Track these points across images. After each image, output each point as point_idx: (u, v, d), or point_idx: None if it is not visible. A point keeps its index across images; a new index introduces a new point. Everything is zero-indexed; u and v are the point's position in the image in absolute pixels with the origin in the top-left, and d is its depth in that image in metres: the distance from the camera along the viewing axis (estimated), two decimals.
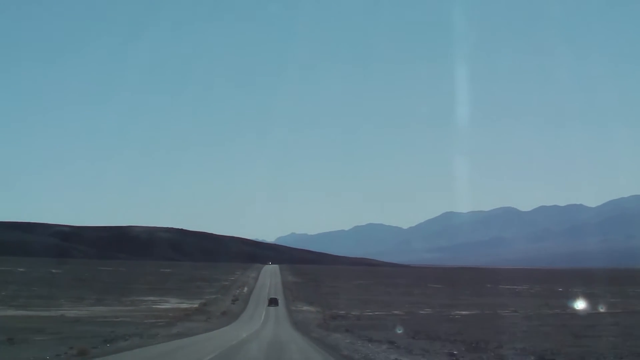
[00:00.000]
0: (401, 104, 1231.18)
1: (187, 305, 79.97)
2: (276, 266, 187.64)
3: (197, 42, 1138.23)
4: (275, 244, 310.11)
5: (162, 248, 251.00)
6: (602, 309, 71.53)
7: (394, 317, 63.72)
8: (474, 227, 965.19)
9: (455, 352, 29.12)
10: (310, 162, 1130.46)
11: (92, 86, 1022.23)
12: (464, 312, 72.41)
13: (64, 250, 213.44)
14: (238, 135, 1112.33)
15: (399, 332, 44.54)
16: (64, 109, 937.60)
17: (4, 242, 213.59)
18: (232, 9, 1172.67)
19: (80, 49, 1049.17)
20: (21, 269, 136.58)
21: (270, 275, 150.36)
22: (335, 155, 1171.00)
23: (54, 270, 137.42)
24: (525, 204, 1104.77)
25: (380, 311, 74.46)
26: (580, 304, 75.68)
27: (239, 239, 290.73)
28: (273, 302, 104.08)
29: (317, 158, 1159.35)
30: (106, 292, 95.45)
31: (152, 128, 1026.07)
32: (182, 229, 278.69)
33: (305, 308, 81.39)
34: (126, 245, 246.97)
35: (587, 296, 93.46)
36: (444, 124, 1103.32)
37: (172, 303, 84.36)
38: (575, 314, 69.14)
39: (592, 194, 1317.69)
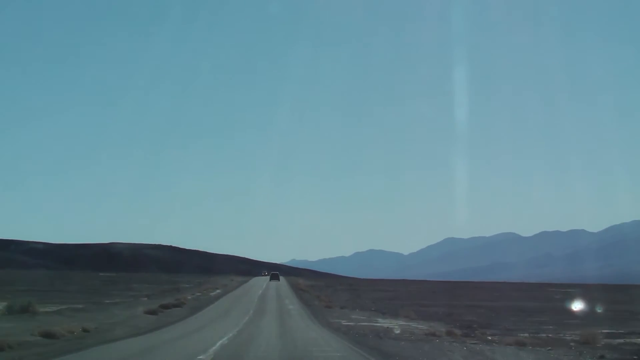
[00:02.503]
0: (401, 131, 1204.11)
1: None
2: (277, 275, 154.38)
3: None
4: (275, 263, 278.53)
5: (148, 265, 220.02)
6: None
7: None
8: (475, 252, 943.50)
9: None
10: (310, 188, 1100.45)
11: (73, 96, 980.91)
12: None
13: (35, 268, 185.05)
14: (237, 162, 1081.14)
15: None
16: (41, 119, 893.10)
17: None
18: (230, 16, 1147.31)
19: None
20: None
21: (267, 281, 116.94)
22: (335, 181, 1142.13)
23: None
24: (527, 230, 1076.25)
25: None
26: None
27: (235, 257, 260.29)
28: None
29: (317, 184, 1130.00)
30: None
31: (149, 136, 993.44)
32: (171, 246, 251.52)
33: (356, 316, 43.22)
34: (108, 263, 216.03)
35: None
36: (445, 151, 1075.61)
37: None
38: None
39: (593, 219, 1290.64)
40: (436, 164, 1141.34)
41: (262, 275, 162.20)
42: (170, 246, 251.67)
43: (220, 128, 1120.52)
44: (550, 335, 34.12)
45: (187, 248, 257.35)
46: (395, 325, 37.28)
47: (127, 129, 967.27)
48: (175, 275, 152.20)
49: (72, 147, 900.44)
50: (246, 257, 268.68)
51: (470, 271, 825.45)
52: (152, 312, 40.91)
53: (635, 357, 24.62)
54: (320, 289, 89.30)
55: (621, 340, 31.36)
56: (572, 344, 28.69)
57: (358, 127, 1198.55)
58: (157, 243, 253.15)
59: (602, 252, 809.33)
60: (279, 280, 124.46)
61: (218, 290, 75.40)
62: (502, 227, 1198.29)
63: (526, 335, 32.70)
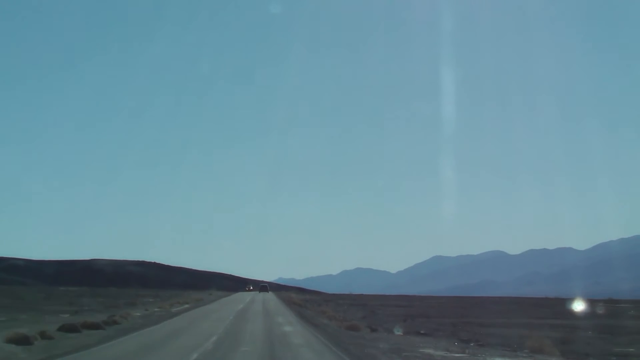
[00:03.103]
0: (387, 150, 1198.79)
1: None
2: (265, 287, 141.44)
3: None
4: (261, 281, 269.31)
5: (131, 282, 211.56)
6: None
7: None
8: (463, 270, 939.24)
9: None
10: (298, 206, 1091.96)
11: (56, 113, 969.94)
12: None
13: (11, 285, 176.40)
14: (224, 179, 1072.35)
15: None
16: (24, 135, 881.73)
17: None
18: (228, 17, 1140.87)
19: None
20: None
21: (252, 294, 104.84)
22: (323, 199, 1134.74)
23: None
24: (514, 248, 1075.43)
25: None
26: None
27: (221, 274, 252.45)
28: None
29: (305, 202, 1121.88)
30: None
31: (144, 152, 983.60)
32: (156, 263, 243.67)
33: (428, 349, 26.73)
34: (89, 279, 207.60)
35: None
36: (432, 169, 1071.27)
37: None
38: None
39: (580, 237, 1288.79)
40: (423, 183, 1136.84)
41: (247, 290, 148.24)
42: (155, 263, 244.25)
43: (208, 147, 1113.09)
44: None
45: (172, 265, 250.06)
46: None
47: (112, 145, 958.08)
48: (155, 291, 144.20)
49: (56, 163, 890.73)
50: (232, 274, 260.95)
51: (458, 289, 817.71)
52: (22, 340, 25.43)
53: None
54: (318, 303, 76.72)
55: None
56: None
57: (344, 144, 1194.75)
58: (141, 260, 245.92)
59: (590, 269, 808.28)
60: (267, 292, 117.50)
61: (186, 305, 62.30)
62: (489, 245, 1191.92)
63: None
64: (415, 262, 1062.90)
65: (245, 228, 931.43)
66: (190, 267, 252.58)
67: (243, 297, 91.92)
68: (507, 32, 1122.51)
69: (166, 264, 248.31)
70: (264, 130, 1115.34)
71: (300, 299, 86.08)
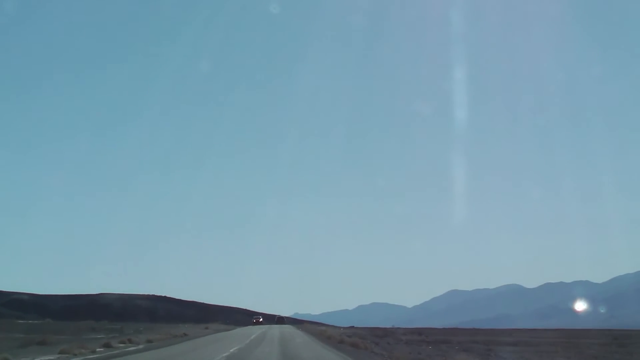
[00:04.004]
0: (401, 185, 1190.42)
1: None
2: (282, 319, 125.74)
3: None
4: (278, 315, 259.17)
5: (139, 316, 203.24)
6: None
7: None
8: (479, 304, 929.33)
9: None
10: (312, 240, 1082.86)
11: (58, 139, 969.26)
12: None
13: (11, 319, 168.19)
14: (237, 211, 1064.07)
15: None
16: (25, 156, 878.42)
17: None
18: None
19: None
20: None
21: (266, 328, 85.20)
22: (337, 233, 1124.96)
23: None
24: (531, 281, 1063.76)
25: None
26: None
27: (234, 308, 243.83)
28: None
29: (318, 234, 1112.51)
30: None
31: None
32: (165, 296, 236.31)
33: None
34: (96, 314, 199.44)
35: None
36: (447, 204, 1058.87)
37: None
38: None
39: (597, 270, 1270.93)
40: (439, 216, 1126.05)
41: (254, 324, 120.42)
42: (165, 297, 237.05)
43: (217, 180, 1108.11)
44: None
45: (182, 299, 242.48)
46: None
47: (118, 173, 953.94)
48: (164, 325, 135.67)
49: (65, 194, 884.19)
50: (246, 308, 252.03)
51: (476, 323, 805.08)
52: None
53: None
54: (370, 338, 55.56)
55: None
56: None
57: (358, 176, 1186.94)
58: (150, 294, 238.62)
59: (608, 303, 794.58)
60: (284, 324, 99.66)
61: (135, 347, 42.57)
62: (506, 278, 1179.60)
63: None
64: (431, 296, 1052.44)
65: (260, 263, 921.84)
66: (201, 301, 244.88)
67: (248, 332, 69.79)
68: (514, 33, 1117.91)
69: (177, 297, 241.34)
70: (273, 158, 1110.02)
71: (340, 333, 64.21)
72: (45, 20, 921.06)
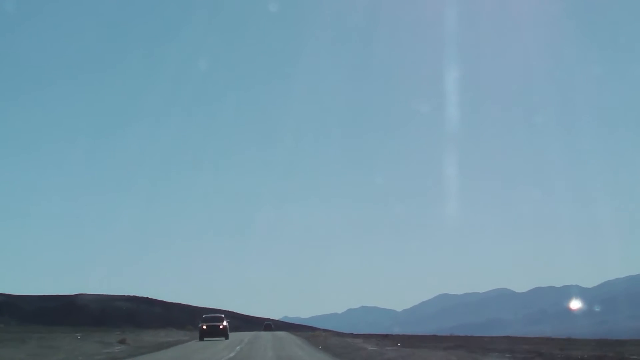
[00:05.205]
0: (391, 187, 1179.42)
1: None
2: (270, 326, 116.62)
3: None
4: (267, 318, 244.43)
5: (118, 319, 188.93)
6: None
7: None
8: (469, 308, 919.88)
9: None
10: (301, 243, 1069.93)
11: (42, 137, 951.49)
12: None
13: None
14: (227, 213, 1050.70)
15: None
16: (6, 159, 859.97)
17: None
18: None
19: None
20: None
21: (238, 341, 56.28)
22: (327, 237, 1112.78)
23: None
24: (521, 285, 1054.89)
25: None
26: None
27: (222, 310, 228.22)
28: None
29: (307, 237, 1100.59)
30: None
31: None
32: (147, 298, 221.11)
33: None
34: (72, 317, 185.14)
35: None
36: (437, 207, 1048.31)
37: None
38: None
39: (587, 274, 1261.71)
40: (429, 220, 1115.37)
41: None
42: (147, 298, 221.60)
43: (207, 182, 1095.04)
44: None
45: (166, 301, 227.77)
46: None
47: (113, 172, 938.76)
48: (131, 330, 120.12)
49: (15, 205, 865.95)
50: (235, 311, 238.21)
51: (465, 327, 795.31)
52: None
53: None
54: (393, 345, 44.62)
55: None
56: None
57: (346, 179, 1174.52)
58: (131, 295, 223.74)
59: (599, 307, 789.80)
60: (272, 330, 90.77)
61: None
62: (495, 282, 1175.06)
63: None
64: (421, 300, 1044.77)
65: (249, 265, 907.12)
66: (186, 303, 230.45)
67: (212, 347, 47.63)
68: (509, 33, 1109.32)
69: (160, 299, 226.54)
70: (268, 163, 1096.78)
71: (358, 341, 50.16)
72: (45, 21, 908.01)
